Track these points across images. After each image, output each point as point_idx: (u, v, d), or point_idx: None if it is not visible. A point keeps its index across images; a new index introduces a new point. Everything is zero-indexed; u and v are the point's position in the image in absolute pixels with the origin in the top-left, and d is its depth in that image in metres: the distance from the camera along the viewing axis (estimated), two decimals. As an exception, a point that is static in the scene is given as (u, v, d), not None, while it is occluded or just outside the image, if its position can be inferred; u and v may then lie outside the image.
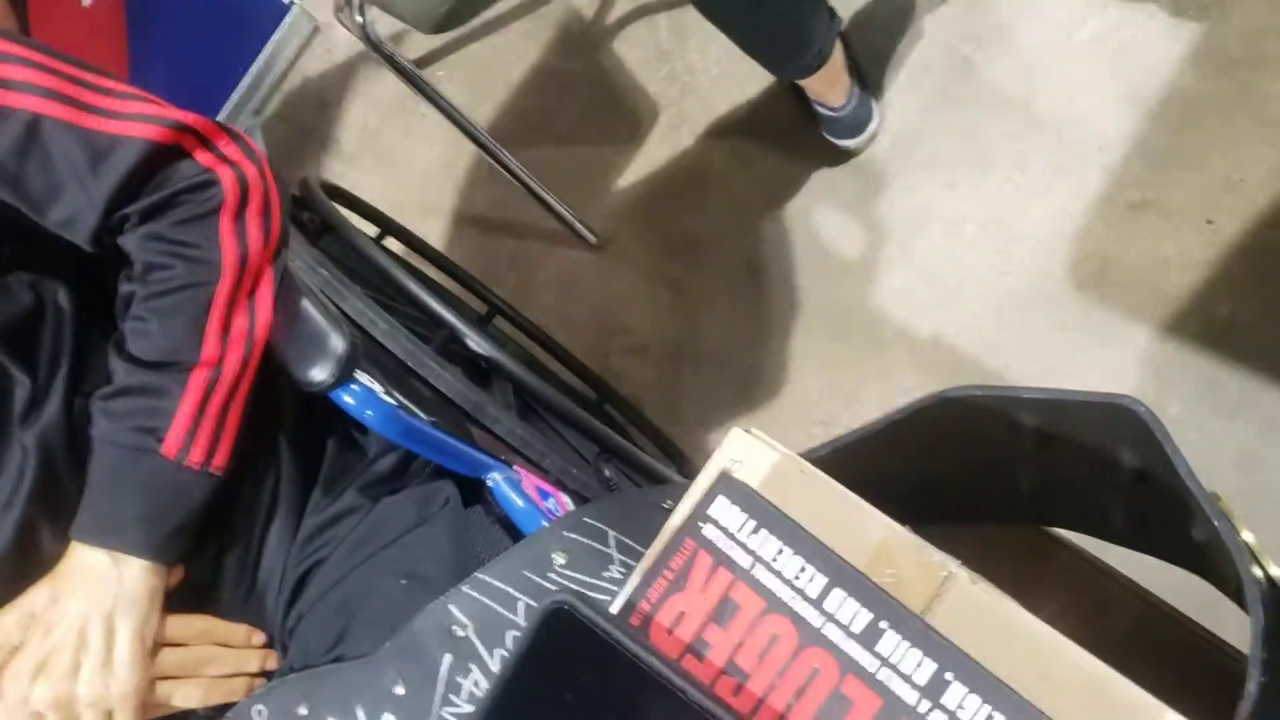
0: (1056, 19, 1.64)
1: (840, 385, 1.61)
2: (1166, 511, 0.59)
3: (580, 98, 1.99)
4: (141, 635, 0.80)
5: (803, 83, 1.63)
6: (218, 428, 0.81)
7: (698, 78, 1.91)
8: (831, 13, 1.53)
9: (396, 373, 1.06)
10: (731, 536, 0.57)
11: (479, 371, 1.23)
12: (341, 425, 0.96)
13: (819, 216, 1.72)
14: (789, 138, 1.78)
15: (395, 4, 1.37)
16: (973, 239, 1.60)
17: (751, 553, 0.56)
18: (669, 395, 1.72)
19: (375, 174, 2.14)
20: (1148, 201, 1.50)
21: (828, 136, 1.70)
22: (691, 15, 1.91)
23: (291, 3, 2.32)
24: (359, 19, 1.74)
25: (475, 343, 1.11)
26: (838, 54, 1.59)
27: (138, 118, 0.79)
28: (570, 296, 1.87)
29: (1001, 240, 1.58)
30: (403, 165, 2.13)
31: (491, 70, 2.10)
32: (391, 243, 1.59)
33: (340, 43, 2.35)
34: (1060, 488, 0.73)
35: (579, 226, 1.84)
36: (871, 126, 1.70)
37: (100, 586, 0.78)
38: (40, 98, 0.76)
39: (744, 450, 0.57)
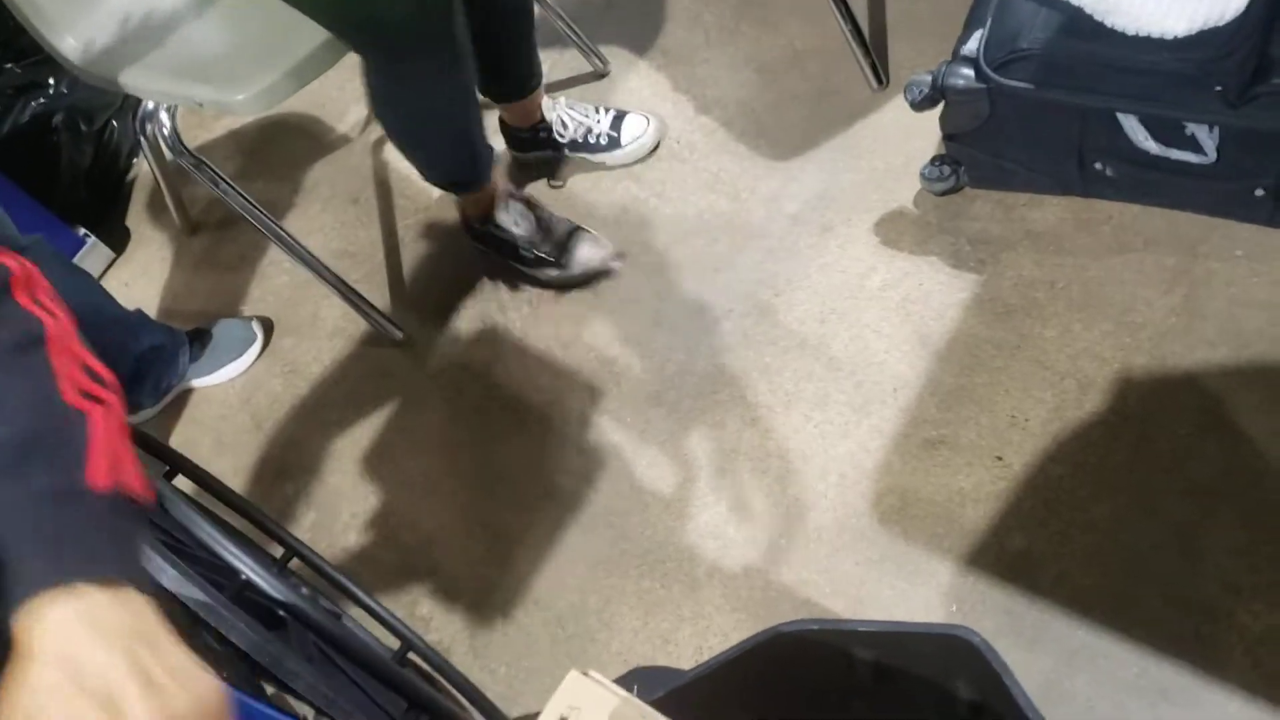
0: (848, 268, 1.75)
1: (655, 627, 1.57)
2: (1004, 746, 0.58)
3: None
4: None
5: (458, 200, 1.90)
6: None
7: (509, 315, 1.93)
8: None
9: (183, 624, 0.97)
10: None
11: (274, 620, 1.15)
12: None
13: (631, 454, 1.72)
14: (600, 374, 1.81)
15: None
16: (778, 474, 1.63)
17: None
18: (480, 640, 1.64)
19: (166, 410, 2.04)
20: (941, 439, 1.57)
21: None
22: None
23: (87, 235, 2.25)
24: (165, 123, 1.72)
25: (275, 589, 1.03)
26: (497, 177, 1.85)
27: None
28: (376, 536, 1.79)
29: (806, 476, 1.62)
30: (196, 400, 2.04)
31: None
32: (181, 482, 1.49)
33: (136, 275, 2.28)
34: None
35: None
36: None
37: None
38: None
39: (581, 695, 0.53)
